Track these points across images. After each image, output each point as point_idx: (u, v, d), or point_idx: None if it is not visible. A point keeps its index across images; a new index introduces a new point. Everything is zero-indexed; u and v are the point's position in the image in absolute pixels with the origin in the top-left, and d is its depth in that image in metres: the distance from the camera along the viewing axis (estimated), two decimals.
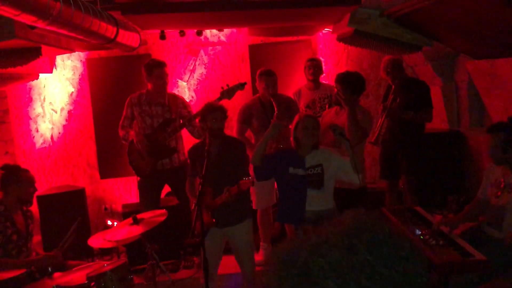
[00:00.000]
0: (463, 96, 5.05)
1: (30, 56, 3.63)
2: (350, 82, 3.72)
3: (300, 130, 3.30)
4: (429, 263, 3.04)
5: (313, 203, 3.26)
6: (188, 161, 3.76)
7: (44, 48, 3.74)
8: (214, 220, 3.22)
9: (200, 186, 3.12)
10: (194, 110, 4.65)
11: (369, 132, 3.90)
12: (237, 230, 3.55)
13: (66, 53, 5.41)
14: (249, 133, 4.74)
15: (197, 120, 4.22)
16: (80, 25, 2.36)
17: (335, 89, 3.82)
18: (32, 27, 2.54)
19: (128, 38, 3.59)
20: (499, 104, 4.06)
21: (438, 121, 5.41)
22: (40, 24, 2.16)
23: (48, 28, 2.25)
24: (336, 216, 3.28)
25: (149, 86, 4.47)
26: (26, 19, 2.09)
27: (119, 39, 3.25)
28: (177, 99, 4.58)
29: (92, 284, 3.18)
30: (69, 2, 2.21)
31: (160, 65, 4.41)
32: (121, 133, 4.53)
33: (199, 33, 5.46)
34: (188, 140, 4.68)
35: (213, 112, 3.46)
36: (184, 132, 4.68)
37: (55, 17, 2.12)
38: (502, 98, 3.96)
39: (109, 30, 2.94)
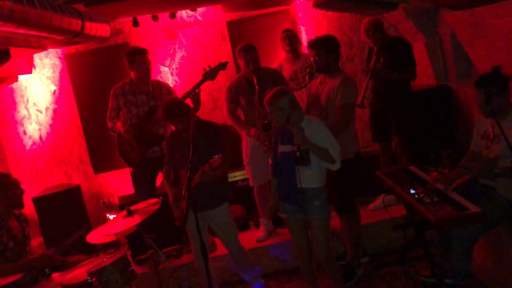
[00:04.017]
0: (447, 49, 4.97)
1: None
2: (322, 43, 3.68)
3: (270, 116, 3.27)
4: (426, 221, 3.04)
5: (304, 181, 3.18)
6: (166, 148, 3.78)
7: (14, 50, 3.65)
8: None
9: (188, 172, 3.11)
10: (179, 93, 4.59)
11: (355, 98, 3.86)
12: (215, 214, 3.67)
13: (39, 52, 5.32)
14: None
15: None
16: (38, 22, 2.29)
17: (311, 58, 3.79)
18: None
19: (97, 29, 3.51)
20: (482, 53, 4.00)
21: (425, 78, 5.36)
22: None
23: (2, 29, 2.18)
24: (323, 194, 3.15)
25: (132, 74, 4.40)
26: None
27: (86, 31, 3.17)
28: (161, 86, 4.52)
29: (94, 279, 3.20)
30: (21, 0, 2.12)
31: (142, 52, 4.33)
32: (109, 124, 4.49)
33: (172, 16, 5.36)
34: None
35: (175, 118, 3.51)
36: None
37: (7, 17, 2.04)
38: (484, 47, 3.90)
39: (73, 23, 2.86)
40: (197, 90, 4.14)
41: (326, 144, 3.16)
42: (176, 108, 3.54)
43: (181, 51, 5.70)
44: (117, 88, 4.46)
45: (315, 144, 3.13)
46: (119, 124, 4.39)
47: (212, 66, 4.21)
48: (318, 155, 3.16)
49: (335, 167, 3.22)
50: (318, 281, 3.61)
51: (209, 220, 3.72)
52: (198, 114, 4.18)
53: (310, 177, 3.19)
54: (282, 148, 3.32)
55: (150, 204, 3.62)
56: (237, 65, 5.62)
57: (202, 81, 4.19)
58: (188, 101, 4.19)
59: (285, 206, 3.39)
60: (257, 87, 4.19)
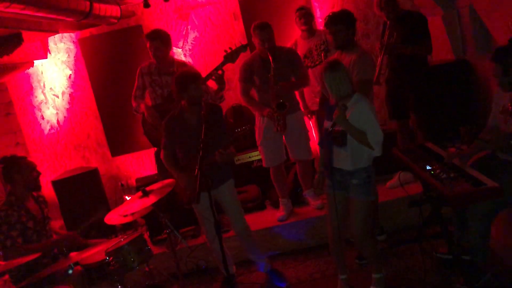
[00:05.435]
0: (465, 22, 4.82)
1: (12, 43, 3.56)
2: (340, 19, 3.60)
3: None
4: (442, 197, 2.99)
5: (338, 161, 3.18)
6: (164, 132, 3.71)
7: (26, 34, 3.66)
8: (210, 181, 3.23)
9: (201, 151, 3.11)
10: None
11: (372, 73, 3.79)
12: (224, 189, 3.73)
13: (51, 36, 5.34)
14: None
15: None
16: (45, 2, 2.28)
17: (328, 35, 3.71)
18: None
19: (106, 10, 3.50)
20: (501, 25, 3.87)
21: (443, 52, 5.22)
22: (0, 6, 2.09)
23: (9, 10, 2.18)
24: (362, 174, 3.09)
25: None
26: None
27: (95, 12, 3.16)
28: (186, 67, 4.51)
29: (111, 259, 3.26)
30: None
31: (148, 37, 4.32)
32: (133, 104, 4.53)
33: None
34: None
35: (194, 82, 3.52)
36: None
37: None
38: (503, 18, 3.77)
39: (81, 4, 2.86)
40: (220, 72, 4.13)
41: (366, 127, 3.02)
42: (198, 74, 3.63)
43: (194, 32, 5.67)
44: (144, 67, 4.48)
45: (353, 125, 3.02)
46: (142, 105, 4.42)
47: (233, 48, 4.18)
48: (355, 138, 3.04)
49: (376, 153, 3.09)
50: (344, 260, 3.53)
51: (218, 197, 3.74)
52: None
53: (344, 158, 3.13)
54: (325, 124, 3.28)
55: (165, 185, 3.65)
56: (250, 45, 5.57)
57: (223, 63, 4.19)
58: (211, 82, 4.20)
59: (327, 180, 3.38)
60: (272, 65, 4.13)
